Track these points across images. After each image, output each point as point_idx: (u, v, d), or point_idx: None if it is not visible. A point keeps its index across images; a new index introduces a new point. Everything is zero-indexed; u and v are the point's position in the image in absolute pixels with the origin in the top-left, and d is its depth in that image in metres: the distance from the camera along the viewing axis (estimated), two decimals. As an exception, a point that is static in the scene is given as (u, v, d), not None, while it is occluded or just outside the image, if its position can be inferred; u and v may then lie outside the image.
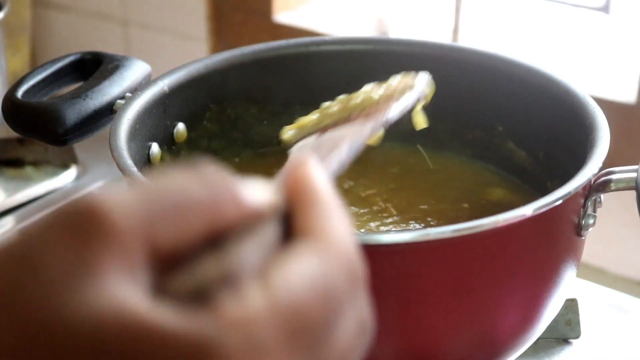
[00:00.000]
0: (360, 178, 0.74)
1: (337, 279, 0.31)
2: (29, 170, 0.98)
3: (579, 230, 0.58)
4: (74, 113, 0.66)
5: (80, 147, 0.96)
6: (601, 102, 0.66)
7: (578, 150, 0.62)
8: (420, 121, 0.63)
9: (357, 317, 0.32)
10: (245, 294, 0.29)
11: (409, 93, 0.57)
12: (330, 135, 0.53)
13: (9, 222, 0.92)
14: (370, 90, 0.58)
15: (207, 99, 0.73)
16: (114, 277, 0.28)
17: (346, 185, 0.73)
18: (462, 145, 0.76)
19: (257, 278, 0.29)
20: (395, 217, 0.68)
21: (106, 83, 0.68)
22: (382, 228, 0.67)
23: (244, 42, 1.17)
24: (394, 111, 0.55)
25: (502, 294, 0.55)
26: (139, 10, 1.67)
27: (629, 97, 1.20)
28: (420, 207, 0.69)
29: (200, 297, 0.29)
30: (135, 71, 0.71)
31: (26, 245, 0.29)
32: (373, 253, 0.51)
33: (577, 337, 0.69)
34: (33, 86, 0.69)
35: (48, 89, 0.71)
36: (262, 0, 1.54)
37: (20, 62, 1.67)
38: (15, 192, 0.94)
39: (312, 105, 0.78)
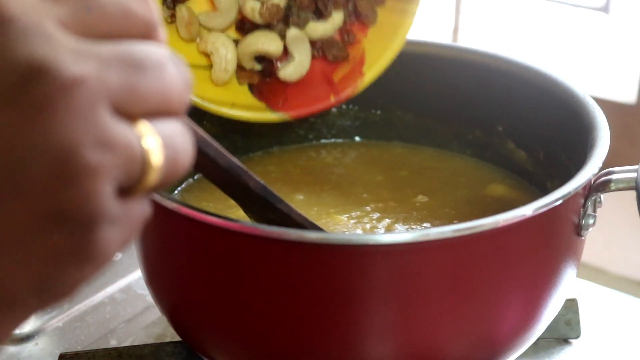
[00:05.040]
0: (359, 172, 0.74)
1: None
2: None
3: (579, 230, 0.58)
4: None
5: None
6: (601, 102, 0.66)
7: (578, 150, 0.62)
8: None
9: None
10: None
11: None
12: None
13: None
14: None
15: (207, 99, 0.73)
16: None
17: (352, 176, 0.73)
18: (463, 145, 0.76)
19: None
20: (396, 214, 0.68)
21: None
22: (381, 223, 0.67)
23: (244, 42, 1.16)
24: None
25: (502, 294, 0.55)
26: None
27: (629, 97, 1.20)
28: (421, 203, 0.69)
29: None
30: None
31: None
32: (373, 253, 0.51)
33: (577, 337, 0.69)
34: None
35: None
36: (262, 0, 1.54)
37: (20, 62, 1.67)
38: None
39: (312, 105, 0.78)
